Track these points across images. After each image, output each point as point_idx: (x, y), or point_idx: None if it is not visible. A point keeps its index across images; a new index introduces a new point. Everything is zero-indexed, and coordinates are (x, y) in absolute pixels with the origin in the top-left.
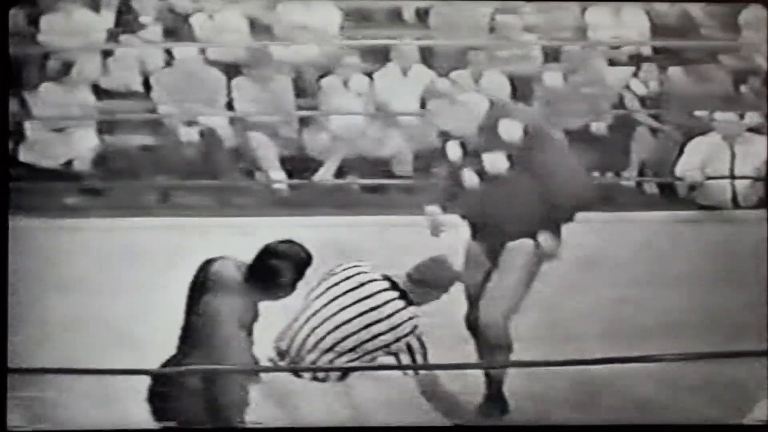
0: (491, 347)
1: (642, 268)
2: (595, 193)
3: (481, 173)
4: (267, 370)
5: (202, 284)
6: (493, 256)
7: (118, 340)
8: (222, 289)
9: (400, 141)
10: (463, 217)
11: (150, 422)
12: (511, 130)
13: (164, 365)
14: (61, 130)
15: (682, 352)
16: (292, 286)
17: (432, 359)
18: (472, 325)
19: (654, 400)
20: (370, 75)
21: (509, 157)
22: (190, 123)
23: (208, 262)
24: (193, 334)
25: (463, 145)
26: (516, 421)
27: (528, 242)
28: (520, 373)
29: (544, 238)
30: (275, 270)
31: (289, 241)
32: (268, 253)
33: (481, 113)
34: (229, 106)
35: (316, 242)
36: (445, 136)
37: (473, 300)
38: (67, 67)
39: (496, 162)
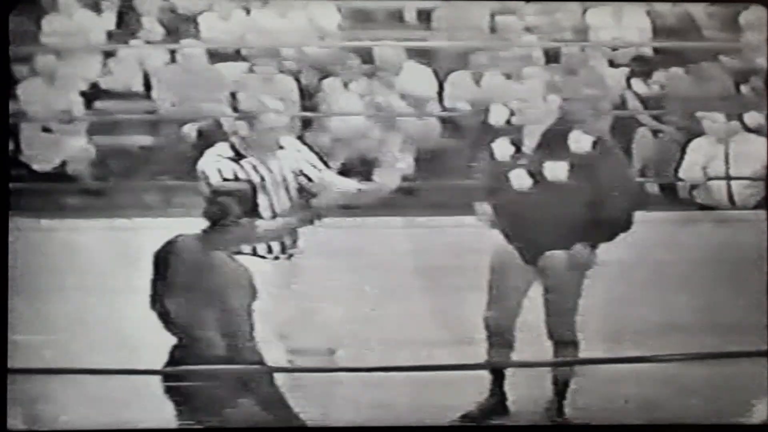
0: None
1: (642, 268)
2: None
3: (536, 177)
4: (277, 370)
5: (165, 258)
6: (532, 262)
7: (114, 340)
8: (185, 252)
9: (402, 143)
10: (504, 219)
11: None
12: (581, 141)
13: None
14: (56, 131)
15: (681, 352)
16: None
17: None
18: (489, 324)
19: (653, 400)
20: (370, 76)
21: (572, 167)
22: (191, 123)
23: (168, 243)
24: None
25: (515, 144)
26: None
27: (572, 252)
28: (522, 372)
29: (579, 248)
30: (224, 208)
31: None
32: (213, 195)
33: (549, 120)
34: (231, 105)
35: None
36: (494, 133)
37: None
38: (65, 67)
39: (557, 170)
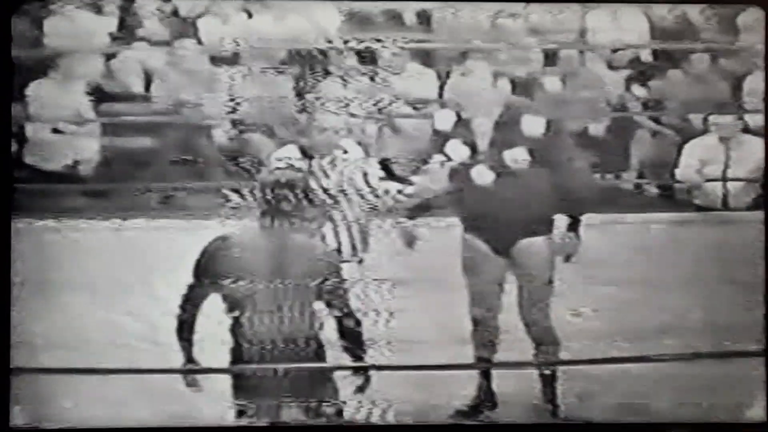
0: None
1: (640, 269)
2: (598, 193)
3: (497, 169)
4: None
5: (212, 257)
6: (504, 254)
7: (119, 340)
8: (241, 245)
9: (398, 142)
10: (465, 216)
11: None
12: (534, 124)
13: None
14: (63, 132)
15: (677, 352)
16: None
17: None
18: (476, 320)
19: (652, 400)
20: (371, 77)
21: (530, 152)
22: (191, 124)
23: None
24: None
25: (468, 144)
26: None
27: (542, 240)
28: (517, 373)
29: (564, 235)
30: (281, 198)
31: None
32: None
33: (498, 109)
34: (230, 107)
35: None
36: (442, 135)
37: (481, 298)
38: (69, 69)
39: (516, 156)
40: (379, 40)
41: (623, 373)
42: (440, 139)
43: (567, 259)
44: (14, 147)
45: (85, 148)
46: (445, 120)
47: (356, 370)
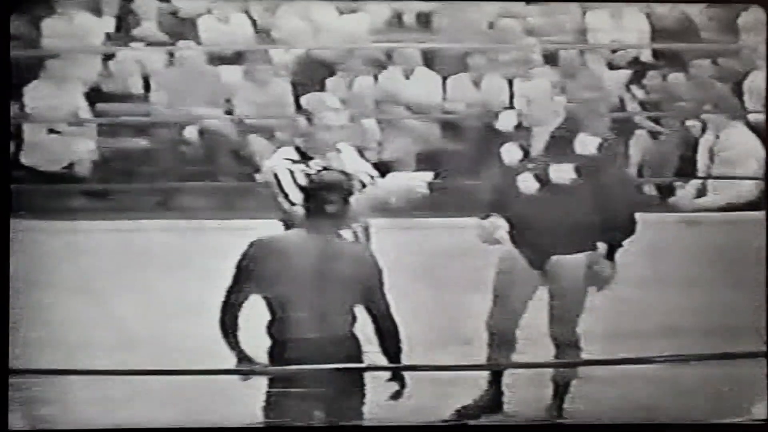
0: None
1: (641, 269)
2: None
3: (542, 180)
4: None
5: (251, 264)
6: (539, 267)
7: (119, 340)
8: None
9: (403, 144)
10: (510, 223)
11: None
12: (587, 143)
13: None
14: (60, 133)
15: (680, 353)
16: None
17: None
18: (492, 329)
19: (652, 402)
20: (373, 78)
21: (577, 169)
22: (191, 125)
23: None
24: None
25: (523, 149)
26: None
27: (580, 258)
28: (522, 373)
29: (602, 264)
30: (323, 200)
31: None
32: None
33: (556, 121)
34: (229, 108)
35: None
36: (503, 138)
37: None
38: (68, 70)
39: (563, 172)
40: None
41: (624, 374)
42: (499, 139)
43: (600, 288)
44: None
45: (82, 149)
46: (507, 120)
47: (393, 375)
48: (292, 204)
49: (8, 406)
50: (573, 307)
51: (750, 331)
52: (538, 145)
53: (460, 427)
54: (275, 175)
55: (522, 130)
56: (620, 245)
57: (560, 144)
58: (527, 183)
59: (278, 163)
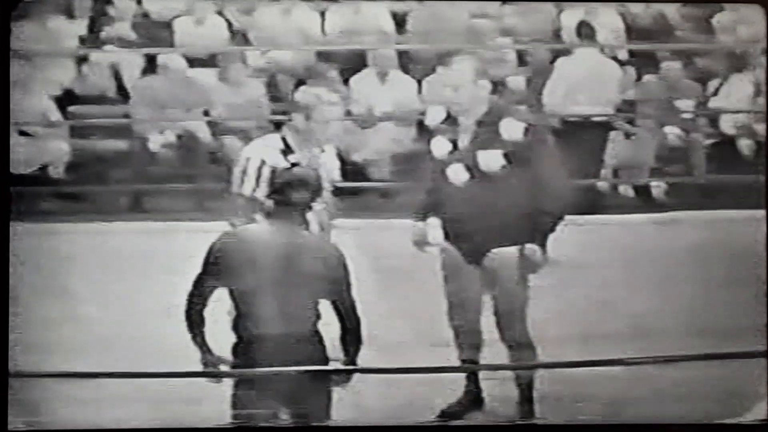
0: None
1: (619, 270)
2: (578, 199)
3: (472, 169)
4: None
5: (217, 257)
6: (476, 263)
7: (91, 342)
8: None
9: (378, 145)
10: (444, 220)
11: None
12: (512, 128)
13: None
14: (33, 135)
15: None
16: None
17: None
18: (456, 329)
19: (653, 401)
20: (347, 80)
21: (506, 156)
22: (166, 128)
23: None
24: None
25: (452, 142)
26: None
27: (513, 251)
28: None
29: (531, 249)
30: (290, 194)
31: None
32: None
33: (481, 108)
34: (205, 111)
35: None
36: (430, 132)
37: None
38: (40, 73)
39: (490, 160)
40: None
41: (606, 375)
42: (427, 134)
43: (533, 271)
44: None
45: (55, 151)
46: (434, 115)
47: (347, 374)
48: (242, 192)
49: (8, 408)
50: (518, 300)
51: (750, 332)
52: (465, 136)
53: (444, 428)
54: (247, 159)
55: (450, 121)
56: (552, 230)
57: (487, 131)
58: (457, 174)
59: (256, 149)
